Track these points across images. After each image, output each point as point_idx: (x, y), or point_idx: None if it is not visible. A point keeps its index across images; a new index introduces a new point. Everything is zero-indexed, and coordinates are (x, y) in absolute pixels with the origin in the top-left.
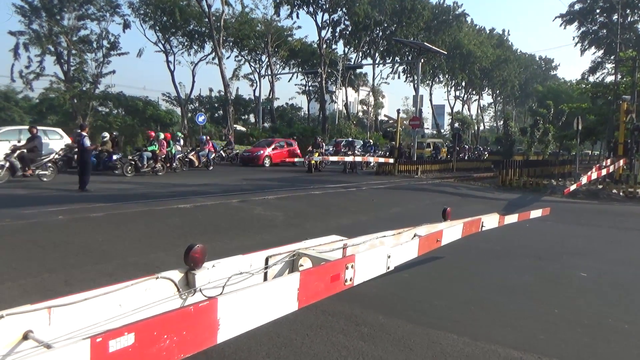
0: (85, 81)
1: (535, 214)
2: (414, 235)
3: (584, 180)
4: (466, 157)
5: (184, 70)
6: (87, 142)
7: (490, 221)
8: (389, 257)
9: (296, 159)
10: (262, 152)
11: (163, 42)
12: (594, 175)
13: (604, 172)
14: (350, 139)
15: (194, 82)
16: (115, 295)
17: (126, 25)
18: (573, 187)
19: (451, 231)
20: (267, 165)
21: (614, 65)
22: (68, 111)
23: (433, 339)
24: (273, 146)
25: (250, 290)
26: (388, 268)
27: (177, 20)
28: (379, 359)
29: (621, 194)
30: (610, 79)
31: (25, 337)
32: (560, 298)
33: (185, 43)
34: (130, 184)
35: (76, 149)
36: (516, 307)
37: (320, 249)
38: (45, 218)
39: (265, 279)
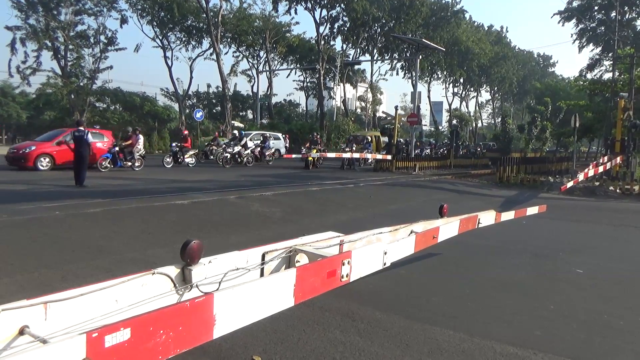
0: (82, 76)
1: (532, 211)
2: (411, 232)
3: (580, 177)
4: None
5: (181, 66)
6: (90, 137)
7: (487, 218)
8: (385, 253)
9: (105, 158)
10: (33, 148)
11: (161, 37)
12: (591, 172)
13: (600, 169)
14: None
15: (191, 78)
16: (112, 291)
17: (123, 21)
18: (570, 184)
19: (447, 228)
20: (43, 167)
21: (611, 62)
22: (65, 107)
23: (429, 334)
24: (59, 140)
25: (247, 286)
26: (384, 264)
27: (175, 15)
28: (375, 355)
29: (618, 191)
30: (608, 76)
31: (22, 332)
32: (556, 294)
33: (183, 39)
34: (127, 180)
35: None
36: (512, 303)
37: (317, 245)
38: (43, 214)
39: (261, 275)
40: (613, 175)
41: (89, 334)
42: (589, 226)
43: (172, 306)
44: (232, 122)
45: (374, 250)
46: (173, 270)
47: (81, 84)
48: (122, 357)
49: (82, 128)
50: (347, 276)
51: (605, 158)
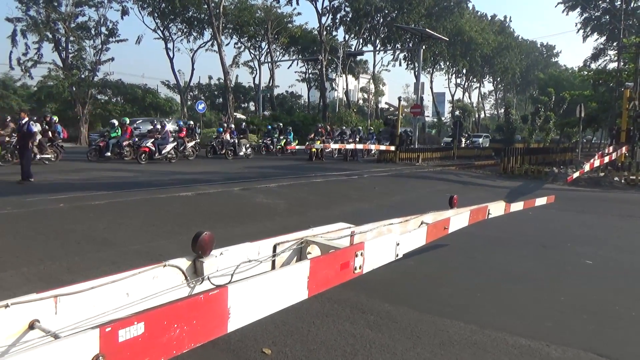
0: (83, 68)
1: (541, 201)
2: (421, 223)
3: (586, 167)
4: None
5: (183, 58)
6: (33, 127)
7: (497, 209)
8: (397, 244)
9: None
10: None
11: (162, 29)
12: (597, 163)
13: (606, 159)
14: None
15: (193, 69)
16: (123, 284)
17: (124, 12)
18: (576, 175)
19: (458, 219)
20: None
21: (616, 51)
22: (67, 99)
23: (440, 326)
24: None
25: (261, 278)
26: (397, 256)
27: (176, 6)
28: (386, 347)
29: (623, 181)
30: (612, 65)
31: (32, 326)
32: (566, 285)
33: (185, 30)
34: (130, 172)
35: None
36: (522, 294)
37: (328, 237)
38: (47, 206)
39: (273, 266)
40: (618, 165)
41: (102, 328)
42: (596, 217)
43: (186, 299)
44: (235, 113)
45: (386, 242)
46: (184, 263)
47: (82, 76)
48: (136, 352)
49: (26, 117)
50: (360, 268)
51: (611, 148)
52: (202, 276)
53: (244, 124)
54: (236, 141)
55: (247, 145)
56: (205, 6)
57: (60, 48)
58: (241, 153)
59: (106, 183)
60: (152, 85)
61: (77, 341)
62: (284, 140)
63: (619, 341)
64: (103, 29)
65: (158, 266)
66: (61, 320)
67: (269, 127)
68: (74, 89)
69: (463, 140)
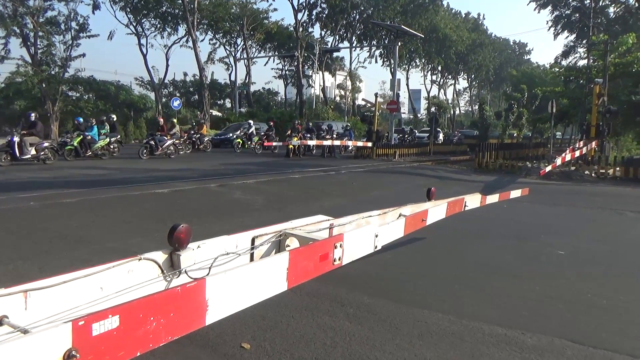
0: (53, 65)
1: (515, 194)
2: (399, 215)
3: (558, 161)
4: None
5: (157, 54)
6: None
7: (473, 201)
8: (376, 236)
9: None
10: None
11: (135, 24)
12: (568, 157)
13: (577, 153)
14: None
15: (167, 65)
16: (96, 278)
17: (95, 6)
18: (548, 169)
19: (436, 211)
20: None
21: (586, 49)
22: (36, 96)
23: (418, 317)
24: None
25: (239, 270)
26: (376, 247)
27: (149, 1)
28: (365, 339)
29: (593, 174)
30: (582, 62)
31: (0, 322)
32: (540, 276)
33: (158, 25)
34: (103, 170)
35: None
36: (498, 285)
37: (307, 229)
38: (17, 204)
39: (251, 259)
40: (588, 159)
41: (74, 322)
42: (568, 209)
43: (162, 292)
44: (210, 111)
45: (365, 233)
46: (160, 256)
47: (52, 72)
48: (110, 346)
49: None
50: (339, 259)
51: (581, 143)
52: (179, 269)
53: (33, 115)
54: (15, 139)
55: (44, 145)
56: (180, 1)
57: (29, 43)
58: (28, 156)
59: (78, 181)
60: (125, 81)
61: (48, 336)
62: (79, 137)
63: (592, 328)
64: (73, 24)
65: (133, 259)
66: (31, 316)
67: (78, 119)
68: (44, 85)
69: (407, 135)
